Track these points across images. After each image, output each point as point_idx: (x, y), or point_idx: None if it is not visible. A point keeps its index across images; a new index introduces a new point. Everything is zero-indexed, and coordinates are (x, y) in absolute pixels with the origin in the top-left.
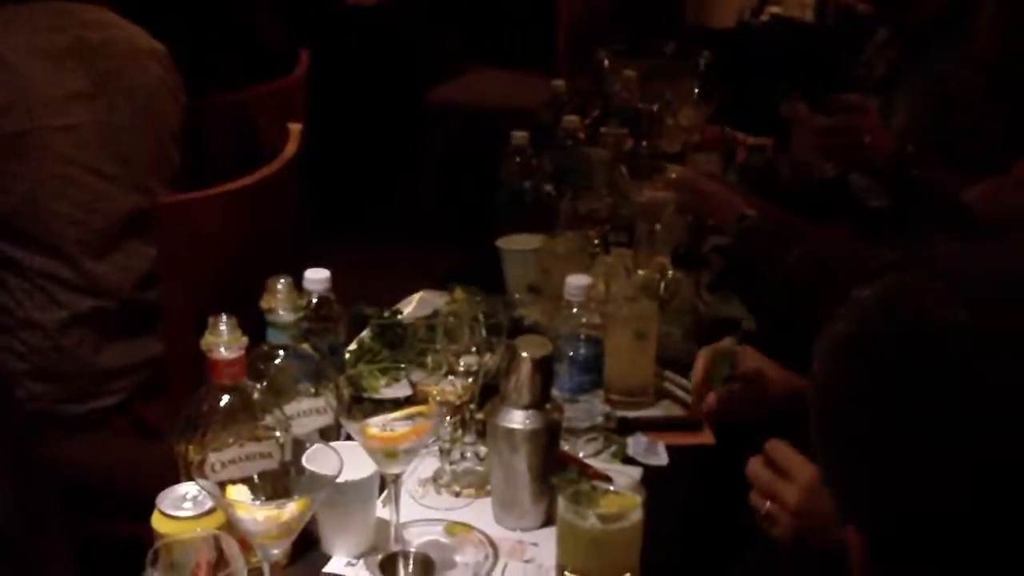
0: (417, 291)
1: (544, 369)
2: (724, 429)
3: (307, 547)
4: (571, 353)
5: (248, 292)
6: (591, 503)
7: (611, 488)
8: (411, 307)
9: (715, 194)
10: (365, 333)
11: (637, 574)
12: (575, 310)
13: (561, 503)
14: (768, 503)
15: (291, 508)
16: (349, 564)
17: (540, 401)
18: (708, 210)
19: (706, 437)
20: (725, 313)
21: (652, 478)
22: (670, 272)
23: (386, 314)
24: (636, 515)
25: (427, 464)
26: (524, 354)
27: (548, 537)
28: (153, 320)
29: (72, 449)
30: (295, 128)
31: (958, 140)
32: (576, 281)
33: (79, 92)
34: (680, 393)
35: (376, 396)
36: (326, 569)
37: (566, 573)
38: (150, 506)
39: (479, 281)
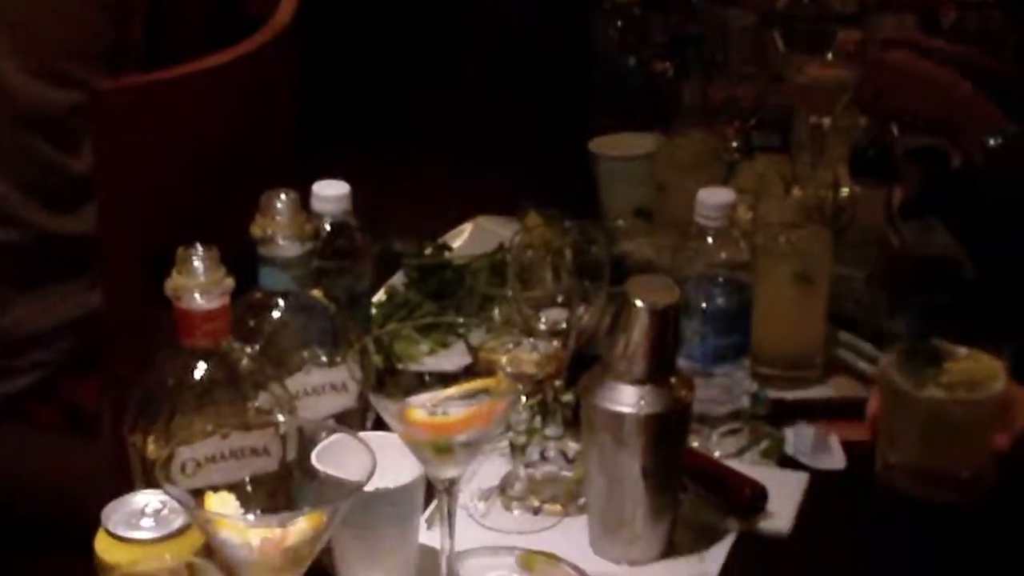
0: (469, 218)
1: (668, 325)
2: None
3: None
4: (703, 305)
5: (231, 217)
6: (930, 368)
7: (961, 351)
8: (462, 239)
9: (966, 103)
10: (397, 278)
11: (993, 466)
12: (709, 240)
13: (889, 368)
14: None
15: (299, 527)
16: None
17: (662, 373)
18: (939, 124)
19: None
20: (929, 248)
21: (822, 488)
22: (846, 187)
23: (428, 250)
24: (996, 385)
25: (492, 466)
26: (639, 303)
27: (670, 573)
28: (85, 262)
29: None
30: None
31: None
32: (712, 196)
33: None
34: (862, 365)
35: (418, 369)
36: None
37: (890, 463)
38: (91, 526)
39: (563, 203)
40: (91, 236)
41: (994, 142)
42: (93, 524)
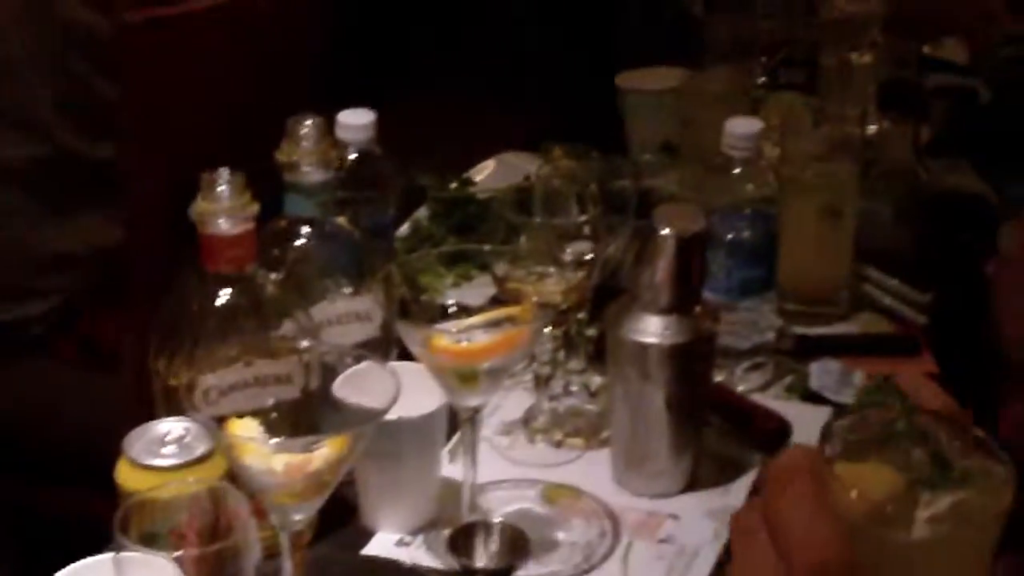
0: (495, 153)
1: (695, 254)
2: None
3: (340, 517)
4: (729, 237)
5: (254, 143)
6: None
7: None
8: (486, 174)
9: None
10: (421, 211)
11: None
12: (736, 172)
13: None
14: None
15: (322, 452)
16: (402, 543)
17: (687, 303)
18: (948, 21)
19: (926, 363)
20: (957, 184)
21: None
22: (874, 123)
23: (452, 184)
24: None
25: (515, 400)
26: (666, 231)
27: (694, 506)
28: (109, 190)
29: None
30: None
31: None
32: (739, 127)
33: None
34: (888, 300)
35: (442, 300)
36: (367, 550)
37: None
38: (113, 459)
39: (589, 137)
40: (115, 165)
41: (1007, 52)
42: (115, 457)
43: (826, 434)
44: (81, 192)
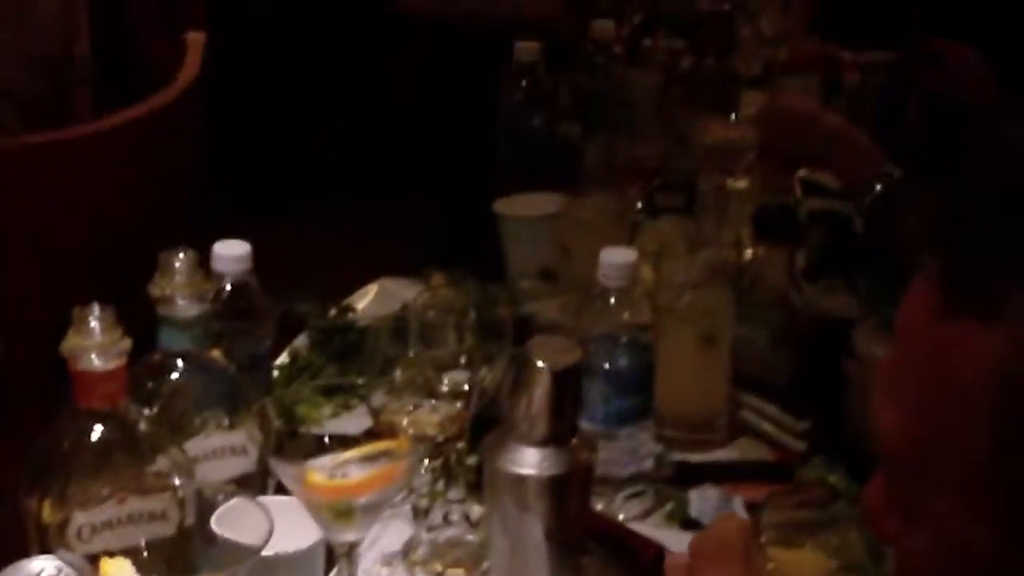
0: (374, 279)
1: (570, 386)
2: None
3: None
4: (606, 366)
5: (130, 275)
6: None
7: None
8: (366, 301)
9: (838, 133)
10: (300, 340)
11: None
12: (612, 301)
13: None
14: None
15: None
16: None
17: (563, 435)
18: (825, 157)
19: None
20: (831, 309)
21: None
22: (749, 249)
23: (332, 312)
24: None
25: (394, 531)
26: (540, 363)
27: None
28: None
29: None
30: (195, 40)
31: None
32: (614, 257)
33: None
34: (766, 426)
35: (319, 432)
36: None
37: None
38: None
39: (467, 263)
40: None
41: (880, 187)
42: None
43: (759, 517)
44: None
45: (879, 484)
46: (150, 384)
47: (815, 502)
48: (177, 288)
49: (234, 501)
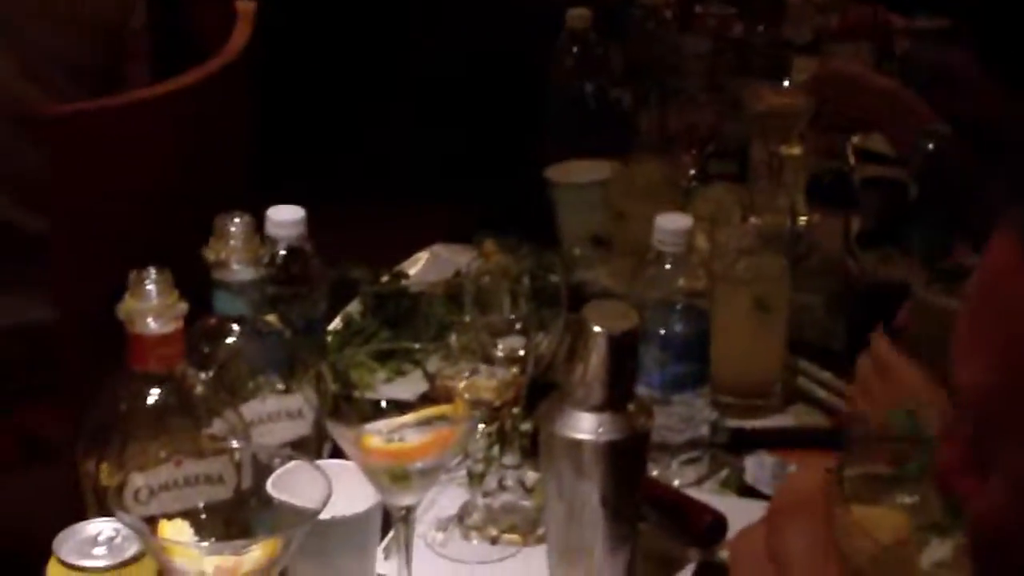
0: (426, 246)
1: (627, 352)
2: None
3: None
4: (662, 332)
5: (183, 240)
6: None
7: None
8: (419, 267)
9: (888, 93)
10: (353, 305)
11: None
12: (668, 267)
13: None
14: None
15: (253, 554)
16: None
17: (620, 400)
18: (876, 119)
19: None
20: (888, 275)
21: None
22: (804, 216)
23: (384, 277)
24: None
25: (450, 496)
26: (597, 328)
27: None
28: (40, 265)
29: None
30: (245, 7)
31: None
32: (670, 222)
33: None
34: (821, 393)
35: (374, 396)
36: None
37: None
38: (43, 555)
39: (520, 231)
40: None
41: (931, 146)
42: (44, 553)
43: (838, 473)
44: (10, 265)
45: (953, 442)
46: (206, 348)
47: (895, 459)
48: (232, 252)
49: (291, 464)
